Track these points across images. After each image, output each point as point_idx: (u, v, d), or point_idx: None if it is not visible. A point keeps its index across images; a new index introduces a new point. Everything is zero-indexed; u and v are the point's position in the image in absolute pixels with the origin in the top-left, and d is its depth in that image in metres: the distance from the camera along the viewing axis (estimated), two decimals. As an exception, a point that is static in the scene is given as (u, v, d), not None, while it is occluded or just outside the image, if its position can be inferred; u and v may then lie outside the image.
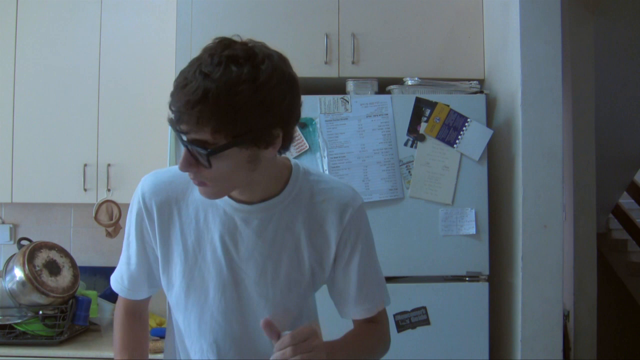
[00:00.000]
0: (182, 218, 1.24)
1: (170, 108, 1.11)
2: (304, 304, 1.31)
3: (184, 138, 1.08)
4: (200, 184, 1.12)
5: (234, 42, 1.14)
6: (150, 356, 2.53)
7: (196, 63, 1.11)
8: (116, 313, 1.40)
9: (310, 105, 2.32)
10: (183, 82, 1.09)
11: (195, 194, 1.21)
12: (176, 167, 1.19)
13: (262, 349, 1.25)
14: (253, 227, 1.22)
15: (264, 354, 1.21)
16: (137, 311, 1.39)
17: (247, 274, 1.24)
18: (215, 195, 1.15)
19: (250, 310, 1.26)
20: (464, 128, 2.37)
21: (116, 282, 1.36)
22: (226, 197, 1.20)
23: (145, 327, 1.44)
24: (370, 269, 1.32)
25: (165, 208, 1.24)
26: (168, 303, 1.34)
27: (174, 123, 1.10)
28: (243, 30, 2.73)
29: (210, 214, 1.23)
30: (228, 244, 1.23)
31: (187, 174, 1.13)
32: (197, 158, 1.07)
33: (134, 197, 1.28)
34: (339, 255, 1.27)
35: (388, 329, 1.37)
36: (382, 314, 1.36)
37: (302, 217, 1.24)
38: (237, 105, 1.03)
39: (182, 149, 1.10)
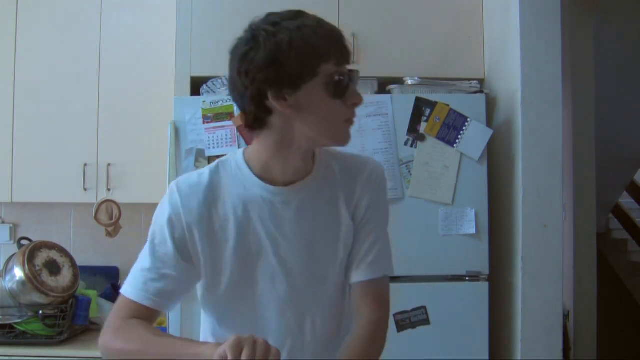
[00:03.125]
0: (220, 216, 1.22)
1: (323, 56, 1.15)
2: (346, 283, 1.32)
3: (351, 70, 1.17)
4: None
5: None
6: (150, 356, 2.53)
7: (301, 22, 1.17)
8: (117, 324, 1.22)
9: (310, 105, 2.32)
10: (328, 25, 1.19)
11: (228, 190, 1.23)
12: (198, 172, 1.26)
13: (315, 336, 1.27)
14: (294, 208, 1.24)
15: (318, 342, 1.26)
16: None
17: (295, 256, 1.25)
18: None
19: (301, 295, 1.26)
20: (464, 128, 2.37)
21: (137, 290, 1.23)
22: (262, 184, 1.22)
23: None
24: (385, 233, 1.35)
25: (204, 210, 1.22)
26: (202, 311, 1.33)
27: (340, 62, 1.17)
28: (242, 30, 2.73)
29: (249, 205, 1.23)
30: (272, 230, 1.23)
31: (210, 175, 1.23)
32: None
33: (167, 202, 1.24)
34: (360, 213, 1.30)
35: (386, 327, 1.33)
36: (385, 306, 1.33)
37: (339, 189, 1.28)
38: None
39: (353, 87, 1.18)
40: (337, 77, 1.15)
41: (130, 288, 1.24)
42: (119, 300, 1.26)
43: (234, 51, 1.21)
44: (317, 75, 1.14)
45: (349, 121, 1.21)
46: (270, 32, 1.14)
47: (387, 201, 1.37)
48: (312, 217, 1.26)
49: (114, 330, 1.20)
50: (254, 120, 1.19)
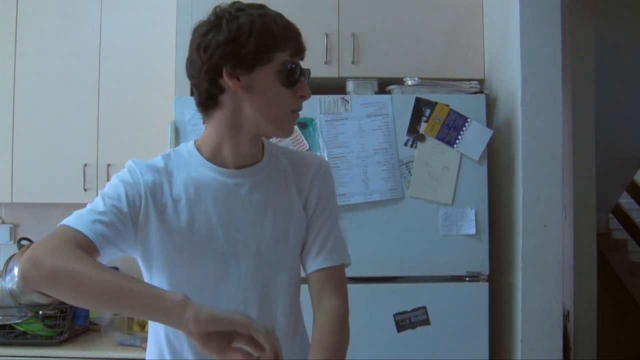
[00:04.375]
0: (172, 196, 1.24)
1: (276, 43, 1.21)
2: (297, 268, 1.34)
3: (301, 62, 1.24)
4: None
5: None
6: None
7: (263, 12, 1.23)
8: (55, 244, 1.09)
9: (310, 105, 2.32)
10: (285, 19, 1.25)
11: (181, 174, 1.26)
12: (151, 159, 1.29)
13: (268, 320, 1.24)
14: (246, 191, 1.28)
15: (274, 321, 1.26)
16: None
17: (245, 238, 1.26)
18: None
19: (251, 278, 1.27)
20: (464, 128, 2.37)
21: (85, 223, 1.14)
22: (215, 166, 1.27)
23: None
24: (338, 224, 1.38)
25: (158, 186, 1.24)
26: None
27: (294, 53, 1.24)
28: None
29: (201, 187, 1.25)
30: (224, 212, 1.25)
31: (163, 159, 1.27)
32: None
33: (126, 171, 1.24)
34: (311, 205, 1.34)
35: (347, 316, 1.33)
36: (345, 295, 1.34)
37: (289, 179, 1.33)
38: None
39: (303, 79, 1.24)
40: (289, 66, 1.22)
41: (76, 220, 1.15)
42: (57, 229, 1.15)
43: (196, 29, 1.27)
44: (271, 61, 1.20)
45: (295, 112, 1.26)
46: (234, 15, 1.21)
47: (335, 195, 1.41)
48: (264, 201, 1.29)
49: (52, 248, 1.08)
50: (207, 96, 1.23)
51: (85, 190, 2.80)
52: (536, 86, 2.24)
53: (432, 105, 2.37)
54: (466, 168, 2.37)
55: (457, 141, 2.37)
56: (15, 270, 2.59)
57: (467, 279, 2.36)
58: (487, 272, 2.37)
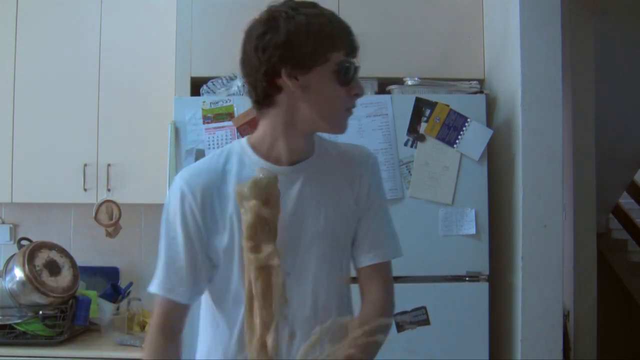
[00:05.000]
0: (226, 197, 1.27)
1: (332, 42, 1.24)
2: (348, 261, 1.39)
3: (356, 64, 1.27)
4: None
5: None
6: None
7: (318, 11, 1.26)
8: (150, 331, 1.32)
9: (310, 105, 2.32)
10: (337, 18, 1.28)
11: (233, 172, 1.29)
12: (202, 160, 1.35)
13: (316, 314, 1.29)
14: (299, 186, 1.30)
15: (319, 320, 1.27)
16: (172, 329, 1.31)
17: (298, 232, 1.30)
18: None
19: (301, 272, 1.30)
20: (464, 128, 2.37)
21: (159, 285, 1.29)
22: (268, 164, 1.29)
23: (177, 351, 1.32)
24: (389, 215, 1.44)
25: (207, 191, 1.28)
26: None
27: (349, 52, 1.27)
28: (242, 30, 2.73)
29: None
30: (286, 206, 1.28)
31: (214, 159, 1.32)
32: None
33: (173, 191, 1.30)
34: (362, 198, 1.37)
35: (393, 308, 1.42)
36: (392, 289, 1.41)
37: (340, 172, 1.36)
38: None
39: (356, 78, 1.27)
40: (345, 66, 1.24)
41: (155, 286, 1.30)
42: (157, 301, 1.32)
43: (251, 29, 1.27)
44: (328, 61, 1.23)
45: (349, 110, 1.30)
46: (290, 14, 1.22)
47: (383, 187, 1.46)
48: (317, 195, 1.31)
49: (146, 342, 1.32)
50: (264, 96, 1.25)
51: (85, 190, 2.80)
52: (536, 86, 2.24)
53: (432, 105, 2.37)
54: (466, 168, 2.37)
55: (457, 141, 2.37)
56: (15, 271, 2.59)
57: (467, 279, 2.36)
58: (487, 272, 2.37)
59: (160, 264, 1.31)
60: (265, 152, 1.30)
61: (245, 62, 1.27)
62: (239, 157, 1.31)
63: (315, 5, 1.27)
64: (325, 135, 1.38)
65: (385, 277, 1.39)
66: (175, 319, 1.31)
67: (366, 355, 1.24)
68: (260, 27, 1.24)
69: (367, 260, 1.37)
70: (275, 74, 1.22)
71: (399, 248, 1.42)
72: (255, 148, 1.31)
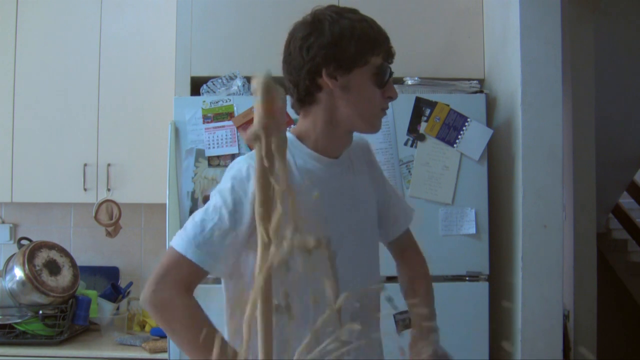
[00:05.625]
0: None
1: (375, 49, 1.34)
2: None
3: (390, 68, 1.36)
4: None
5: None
6: (151, 356, 2.55)
7: (360, 17, 1.36)
8: (169, 295, 1.23)
9: (310, 105, 2.32)
10: (377, 25, 1.38)
11: (298, 163, 1.36)
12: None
13: (370, 294, 1.43)
14: (342, 177, 1.41)
15: (370, 303, 1.42)
16: (192, 291, 1.28)
17: (346, 220, 1.39)
18: None
19: (357, 256, 1.40)
20: (464, 128, 2.37)
21: (194, 250, 1.24)
22: (319, 156, 1.38)
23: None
24: (392, 187, 1.64)
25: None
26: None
27: (386, 57, 1.37)
28: (243, 30, 2.74)
29: (306, 174, 1.35)
30: (327, 196, 1.36)
31: None
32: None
33: (237, 168, 1.31)
34: (375, 177, 1.54)
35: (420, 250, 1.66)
36: (411, 236, 1.66)
37: (358, 161, 1.49)
38: None
39: (390, 81, 1.37)
40: (383, 69, 1.35)
41: (187, 249, 1.25)
42: (170, 253, 1.27)
43: (295, 31, 1.36)
44: (367, 63, 1.32)
45: (383, 111, 1.39)
46: (334, 18, 1.31)
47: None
48: (354, 184, 1.44)
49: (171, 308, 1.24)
50: (306, 93, 1.34)
51: (85, 190, 2.80)
52: (536, 86, 2.24)
53: (432, 105, 2.37)
54: (466, 168, 2.37)
55: (457, 141, 2.37)
56: (15, 270, 2.59)
57: (467, 278, 2.36)
58: (487, 272, 2.37)
59: (197, 228, 1.26)
60: (312, 146, 1.37)
61: (288, 61, 1.34)
62: (290, 148, 1.35)
63: (356, 11, 1.36)
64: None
65: (413, 241, 1.65)
66: (196, 284, 1.27)
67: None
68: (305, 28, 1.32)
69: (394, 233, 1.59)
70: (317, 74, 1.30)
71: (412, 211, 1.64)
72: (302, 141, 1.38)
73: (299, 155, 1.36)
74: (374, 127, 1.40)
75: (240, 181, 1.29)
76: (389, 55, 1.37)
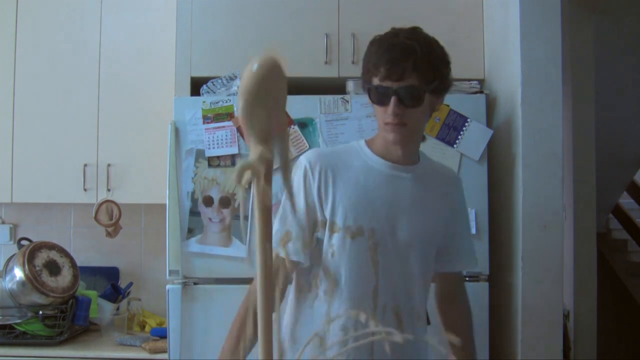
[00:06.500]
0: (343, 180, 1.53)
1: (372, 70, 1.47)
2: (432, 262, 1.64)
3: (394, 87, 1.44)
4: (402, 124, 1.47)
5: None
6: (151, 356, 2.55)
7: (390, 35, 1.48)
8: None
9: (310, 105, 2.32)
10: (390, 44, 1.45)
11: (357, 163, 1.55)
12: (334, 147, 1.78)
13: (414, 299, 1.57)
14: (408, 183, 1.55)
15: (415, 303, 1.57)
16: None
17: (403, 218, 1.53)
18: (405, 138, 1.51)
19: (404, 255, 1.54)
20: (464, 128, 2.37)
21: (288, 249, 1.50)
22: (383, 161, 1.55)
23: None
24: (469, 231, 1.78)
25: (323, 172, 1.53)
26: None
27: (383, 78, 1.45)
28: (243, 30, 2.73)
29: (370, 176, 1.54)
30: (387, 196, 1.54)
31: (346, 149, 1.60)
32: (405, 101, 1.45)
33: (300, 164, 1.56)
34: (454, 208, 1.66)
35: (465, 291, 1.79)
36: (464, 285, 1.79)
37: (436, 182, 1.62)
38: (434, 57, 1.47)
39: (392, 99, 1.45)
40: (378, 89, 1.46)
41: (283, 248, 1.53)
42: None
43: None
44: (371, 82, 1.49)
45: (387, 124, 1.49)
46: (375, 38, 1.51)
47: (467, 205, 1.75)
48: (419, 193, 1.56)
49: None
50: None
51: (85, 190, 2.80)
52: (536, 86, 2.24)
53: (432, 105, 2.37)
54: (466, 168, 2.37)
55: (457, 141, 2.37)
56: (15, 271, 2.59)
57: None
58: (487, 272, 2.37)
59: (281, 231, 1.53)
60: (379, 152, 1.57)
61: None
62: (355, 152, 1.59)
63: (397, 33, 1.48)
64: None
65: (464, 285, 1.78)
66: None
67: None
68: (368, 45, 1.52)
69: (450, 267, 1.70)
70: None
71: (475, 260, 1.74)
72: (371, 147, 1.59)
73: (362, 157, 1.57)
74: (386, 139, 1.53)
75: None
76: (386, 76, 1.44)
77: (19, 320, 2.56)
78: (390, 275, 1.53)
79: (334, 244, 1.53)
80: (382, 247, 1.51)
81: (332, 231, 1.53)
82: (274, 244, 1.47)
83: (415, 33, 1.48)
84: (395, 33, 1.47)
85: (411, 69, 1.42)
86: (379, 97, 1.47)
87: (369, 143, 1.60)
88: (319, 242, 1.57)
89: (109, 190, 2.81)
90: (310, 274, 1.57)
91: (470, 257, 1.73)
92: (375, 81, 1.46)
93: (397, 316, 1.54)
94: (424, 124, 1.58)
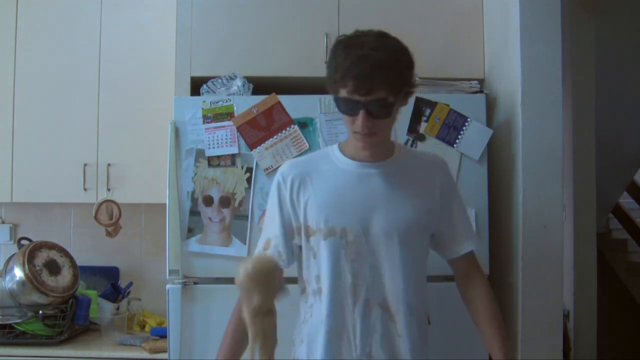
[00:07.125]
0: (313, 184, 1.61)
1: (339, 82, 1.47)
2: (422, 251, 1.70)
3: (363, 100, 1.45)
4: (372, 134, 1.51)
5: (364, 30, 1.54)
6: (151, 356, 2.55)
7: (355, 44, 1.47)
8: None
9: (310, 105, 2.32)
10: (357, 57, 1.44)
11: (326, 167, 1.64)
12: (309, 154, 1.82)
13: (404, 291, 1.62)
14: (378, 178, 1.61)
15: (407, 295, 1.63)
16: None
17: (377, 212, 1.58)
18: (375, 145, 1.56)
19: (382, 250, 1.59)
20: (464, 128, 2.37)
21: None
22: (352, 161, 1.62)
23: None
24: (464, 212, 1.77)
25: (296, 180, 1.63)
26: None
27: (351, 92, 1.46)
28: (243, 30, 2.73)
29: (339, 177, 1.62)
30: (357, 194, 1.60)
31: (319, 155, 1.71)
32: (373, 113, 1.47)
33: (275, 177, 1.67)
34: (443, 201, 1.68)
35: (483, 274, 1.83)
36: (476, 263, 1.80)
37: (415, 171, 1.66)
38: (401, 66, 1.48)
39: (360, 112, 1.47)
40: (345, 101, 1.48)
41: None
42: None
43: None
44: (338, 93, 1.50)
45: (356, 133, 1.53)
46: (340, 45, 1.51)
47: (457, 186, 1.80)
48: (395, 184, 1.61)
49: None
50: None
51: (85, 190, 2.80)
52: (536, 86, 2.24)
53: (432, 105, 2.37)
54: (466, 168, 2.37)
55: (457, 141, 2.37)
56: (15, 270, 2.59)
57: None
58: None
59: (261, 239, 1.70)
60: (351, 154, 1.64)
61: None
62: (327, 155, 1.68)
63: (364, 37, 1.49)
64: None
65: (477, 263, 1.79)
66: None
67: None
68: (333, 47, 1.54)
69: (462, 250, 1.72)
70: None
71: (477, 238, 1.79)
72: (342, 150, 1.66)
73: (332, 160, 1.65)
74: (357, 145, 1.58)
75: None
76: (354, 89, 1.45)
77: (19, 320, 2.57)
78: (370, 271, 1.59)
79: (313, 247, 1.62)
80: (357, 245, 1.58)
81: (308, 235, 1.62)
82: (258, 250, 1.67)
83: (380, 41, 1.48)
84: (360, 43, 1.46)
85: (379, 83, 1.44)
86: (347, 109, 1.50)
87: (341, 146, 1.67)
88: (301, 247, 1.66)
89: (109, 190, 2.81)
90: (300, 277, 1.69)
91: (473, 236, 1.78)
92: (343, 93, 1.48)
93: (387, 310, 1.60)
94: (392, 126, 1.63)
